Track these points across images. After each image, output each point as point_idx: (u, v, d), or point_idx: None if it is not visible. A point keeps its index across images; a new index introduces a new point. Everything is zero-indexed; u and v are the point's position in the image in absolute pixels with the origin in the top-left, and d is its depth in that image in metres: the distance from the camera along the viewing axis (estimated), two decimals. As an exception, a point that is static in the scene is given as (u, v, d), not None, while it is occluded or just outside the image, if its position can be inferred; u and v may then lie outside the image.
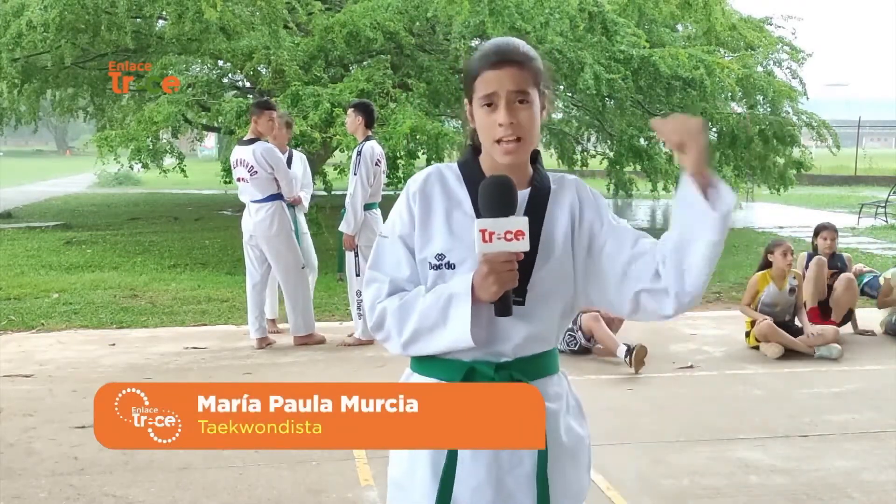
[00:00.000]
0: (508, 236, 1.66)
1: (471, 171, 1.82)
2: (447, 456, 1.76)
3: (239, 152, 6.28)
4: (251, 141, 6.24)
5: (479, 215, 1.73)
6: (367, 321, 1.86)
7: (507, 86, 1.73)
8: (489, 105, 1.75)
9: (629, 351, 5.67)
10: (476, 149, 1.85)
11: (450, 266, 1.76)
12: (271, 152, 6.22)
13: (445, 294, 1.72)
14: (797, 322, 6.35)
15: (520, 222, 1.67)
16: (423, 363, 1.82)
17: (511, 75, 1.74)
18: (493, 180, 1.73)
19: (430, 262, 1.78)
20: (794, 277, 6.37)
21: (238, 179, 6.30)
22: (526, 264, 1.74)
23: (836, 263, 7.05)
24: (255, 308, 6.31)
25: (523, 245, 1.67)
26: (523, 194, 1.80)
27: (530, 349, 1.80)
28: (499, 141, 1.75)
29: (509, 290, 1.70)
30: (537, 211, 1.80)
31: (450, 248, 1.77)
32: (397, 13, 11.54)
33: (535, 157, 1.87)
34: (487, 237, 1.66)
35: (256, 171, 6.16)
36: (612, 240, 1.80)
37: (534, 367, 1.80)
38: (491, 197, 1.70)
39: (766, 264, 6.39)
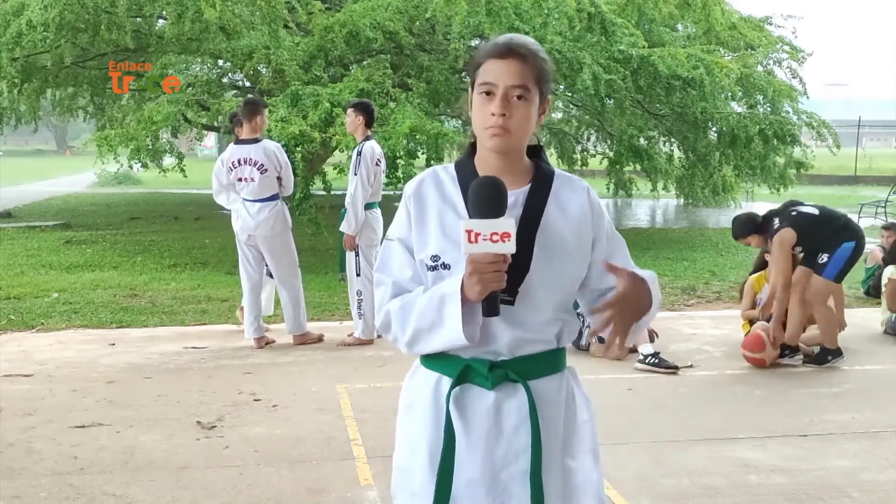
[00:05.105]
0: (494, 238, 1.65)
1: (465, 172, 1.83)
2: (444, 444, 1.77)
3: (242, 151, 6.18)
4: (255, 140, 6.22)
5: (470, 216, 1.72)
6: (376, 322, 1.89)
7: (507, 80, 1.74)
8: (487, 93, 1.76)
9: (655, 355, 5.68)
10: (473, 148, 1.86)
11: (445, 267, 1.77)
12: (282, 151, 6.36)
13: (438, 295, 1.73)
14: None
15: (507, 224, 1.66)
16: (429, 357, 1.85)
17: (513, 68, 1.74)
18: (483, 181, 1.72)
19: (426, 264, 1.79)
20: None
21: (239, 179, 6.18)
22: (521, 263, 1.73)
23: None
24: (254, 308, 6.30)
25: (509, 247, 1.65)
26: (522, 191, 1.80)
27: (527, 349, 1.79)
28: (488, 128, 1.75)
29: (496, 290, 1.69)
30: (535, 209, 1.79)
31: (443, 249, 1.78)
32: (397, 13, 11.53)
33: (538, 153, 1.87)
34: (473, 238, 1.65)
35: (267, 170, 6.15)
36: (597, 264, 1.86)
37: (532, 367, 1.80)
38: (479, 198, 1.70)
39: (762, 266, 6.38)
